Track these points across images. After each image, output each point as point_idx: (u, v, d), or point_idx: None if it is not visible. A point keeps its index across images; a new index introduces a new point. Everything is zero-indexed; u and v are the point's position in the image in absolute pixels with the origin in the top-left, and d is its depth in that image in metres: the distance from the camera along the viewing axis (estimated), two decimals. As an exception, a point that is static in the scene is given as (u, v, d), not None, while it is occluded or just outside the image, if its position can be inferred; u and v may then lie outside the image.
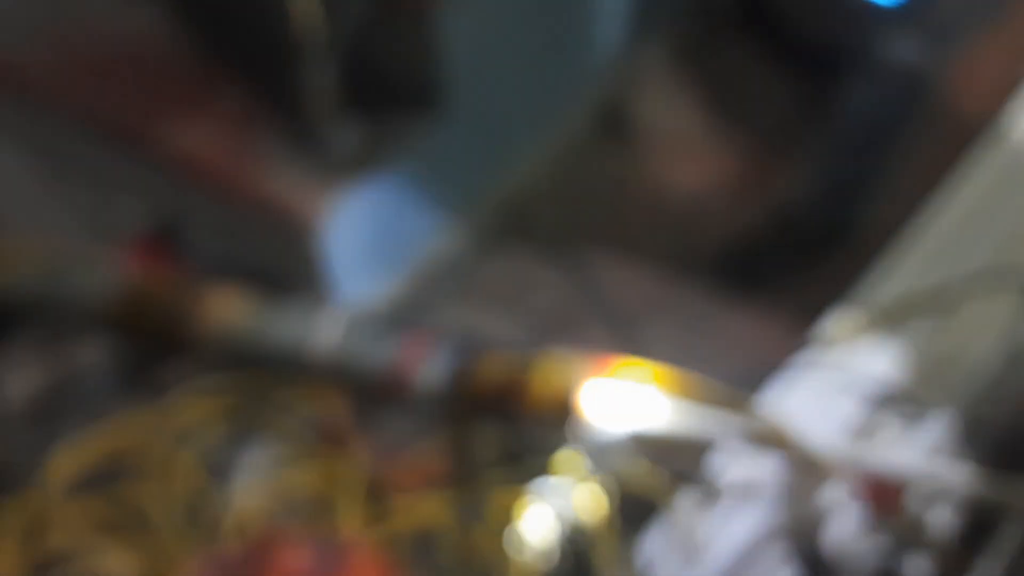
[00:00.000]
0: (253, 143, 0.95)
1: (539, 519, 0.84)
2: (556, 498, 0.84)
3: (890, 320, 0.90)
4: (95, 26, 1.03)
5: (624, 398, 0.84)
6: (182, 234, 0.99)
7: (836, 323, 0.91)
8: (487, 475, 0.85)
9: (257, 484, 0.86)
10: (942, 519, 0.78)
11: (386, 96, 0.95)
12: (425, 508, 0.85)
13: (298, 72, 0.90)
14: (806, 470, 0.78)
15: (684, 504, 0.81)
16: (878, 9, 0.98)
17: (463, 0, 0.93)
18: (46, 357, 0.93)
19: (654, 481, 0.83)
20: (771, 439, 0.80)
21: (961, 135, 1.04)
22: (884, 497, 0.77)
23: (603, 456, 0.84)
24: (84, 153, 1.02)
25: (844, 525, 0.78)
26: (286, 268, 0.96)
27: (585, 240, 1.06)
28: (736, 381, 0.85)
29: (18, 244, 0.96)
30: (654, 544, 0.81)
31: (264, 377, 0.90)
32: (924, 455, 0.80)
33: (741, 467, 0.81)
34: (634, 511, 0.82)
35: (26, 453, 0.87)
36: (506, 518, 0.84)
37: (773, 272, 1.04)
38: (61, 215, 1.02)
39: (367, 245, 0.99)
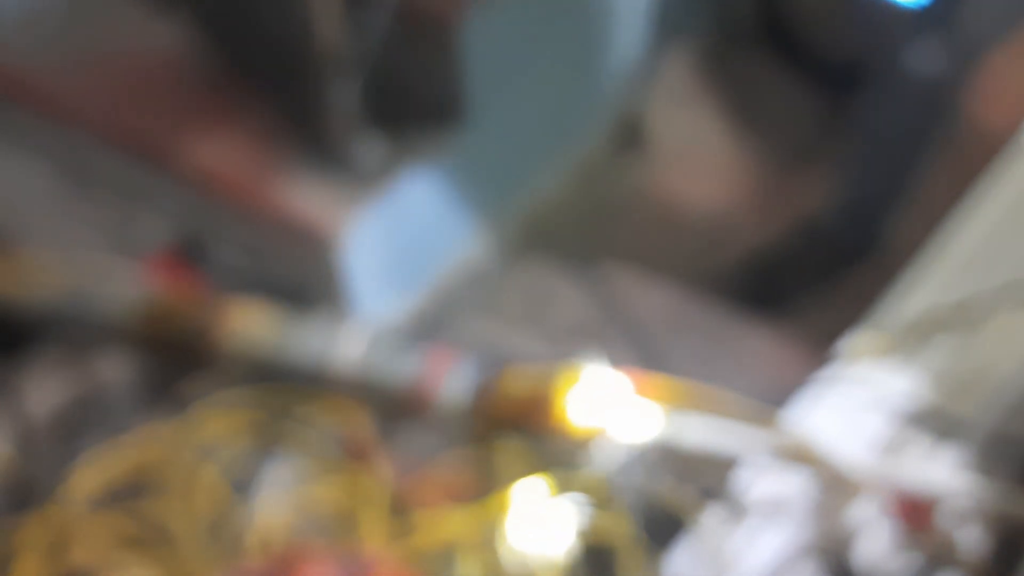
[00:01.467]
0: (276, 159, 0.96)
1: (563, 535, 0.83)
2: (581, 514, 0.83)
3: (915, 336, 0.89)
4: (119, 43, 1.04)
5: (648, 413, 0.83)
6: (205, 250, 1.00)
7: (861, 339, 0.90)
8: (510, 491, 0.85)
9: (280, 499, 0.86)
10: (973, 537, 0.77)
11: (409, 112, 0.96)
12: (449, 523, 0.84)
13: (321, 89, 0.90)
14: (835, 486, 0.78)
15: (711, 521, 0.81)
16: (902, 11, 0.97)
17: (485, 17, 0.93)
18: (69, 372, 0.93)
19: (680, 498, 0.82)
20: (798, 455, 0.79)
21: (984, 149, 1.03)
22: (915, 514, 0.76)
23: (628, 472, 0.83)
24: (107, 169, 1.02)
25: (875, 542, 0.77)
26: (308, 283, 0.96)
27: (607, 255, 1.06)
28: (760, 397, 0.85)
29: (41, 259, 0.96)
30: (680, 561, 0.80)
31: (287, 392, 0.90)
32: (954, 472, 0.79)
33: (768, 483, 0.81)
34: (660, 528, 0.82)
35: (49, 468, 0.87)
36: (530, 534, 0.83)
37: (796, 287, 1.04)
38: (84, 230, 1.03)
39: (389, 260, 0.99)
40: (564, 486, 0.85)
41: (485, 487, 0.85)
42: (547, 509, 0.84)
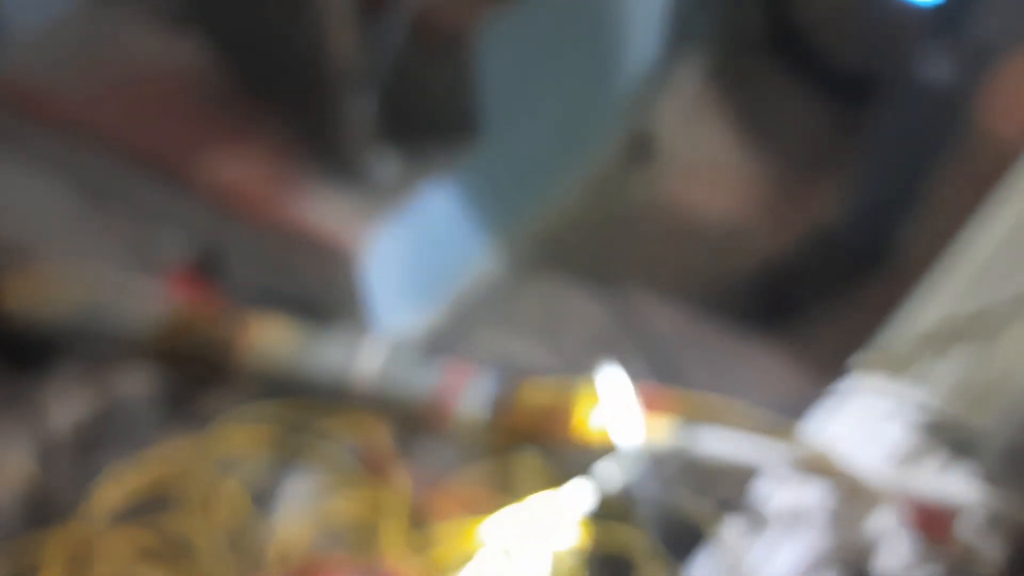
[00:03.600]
0: (293, 174, 0.96)
1: (581, 547, 0.83)
2: (599, 526, 0.84)
3: (931, 347, 0.89)
4: (137, 61, 1.05)
5: (665, 426, 0.83)
6: (223, 264, 1.00)
7: (878, 349, 0.90)
8: (529, 503, 0.85)
9: (300, 512, 0.86)
10: (993, 548, 0.77)
11: (424, 126, 0.96)
12: (468, 536, 0.84)
13: (337, 103, 0.91)
14: (854, 497, 0.78)
15: (730, 532, 0.81)
16: (914, 11, 0.97)
17: (498, 32, 0.94)
18: (89, 387, 0.94)
19: (699, 510, 0.83)
20: (817, 466, 0.79)
21: (998, 158, 1.04)
22: (935, 525, 0.76)
23: (646, 484, 0.83)
24: (125, 184, 1.03)
25: (894, 554, 0.77)
26: (327, 298, 0.97)
27: (622, 268, 1.06)
28: (778, 409, 0.85)
29: (61, 275, 0.97)
30: (700, 574, 0.80)
31: (306, 406, 0.90)
32: (973, 483, 0.79)
33: (787, 494, 0.81)
34: (678, 540, 0.82)
35: (71, 483, 0.88)
36: (548, 546, 0.83)
37: (813, 299, 1.04)
38: (103, 246, 1.04)
39: (407, 274, 1.00)
40: (583, 498, 0.85)
41: (503, 500, 0.86)
42: (566, 521, 0.84)
